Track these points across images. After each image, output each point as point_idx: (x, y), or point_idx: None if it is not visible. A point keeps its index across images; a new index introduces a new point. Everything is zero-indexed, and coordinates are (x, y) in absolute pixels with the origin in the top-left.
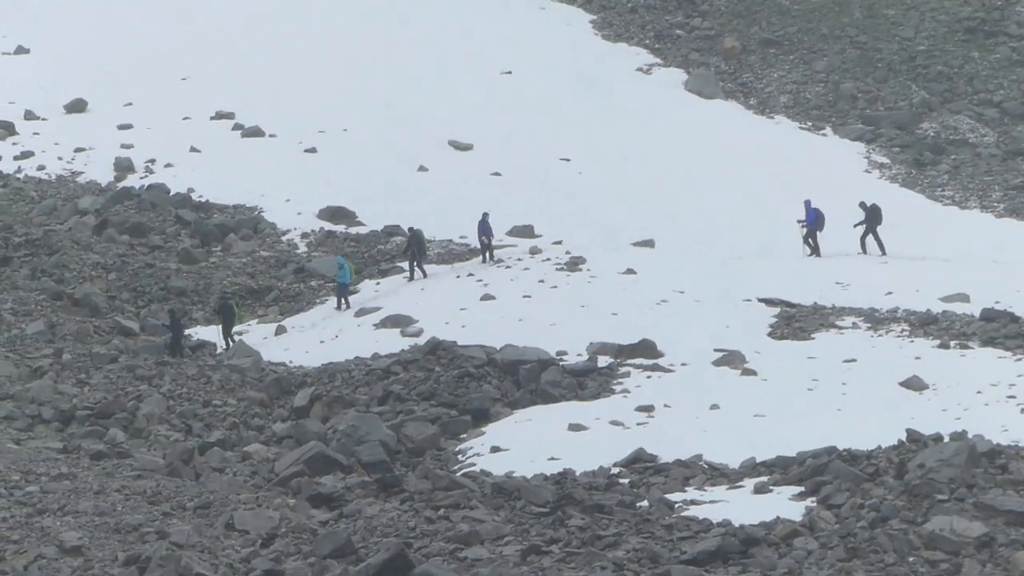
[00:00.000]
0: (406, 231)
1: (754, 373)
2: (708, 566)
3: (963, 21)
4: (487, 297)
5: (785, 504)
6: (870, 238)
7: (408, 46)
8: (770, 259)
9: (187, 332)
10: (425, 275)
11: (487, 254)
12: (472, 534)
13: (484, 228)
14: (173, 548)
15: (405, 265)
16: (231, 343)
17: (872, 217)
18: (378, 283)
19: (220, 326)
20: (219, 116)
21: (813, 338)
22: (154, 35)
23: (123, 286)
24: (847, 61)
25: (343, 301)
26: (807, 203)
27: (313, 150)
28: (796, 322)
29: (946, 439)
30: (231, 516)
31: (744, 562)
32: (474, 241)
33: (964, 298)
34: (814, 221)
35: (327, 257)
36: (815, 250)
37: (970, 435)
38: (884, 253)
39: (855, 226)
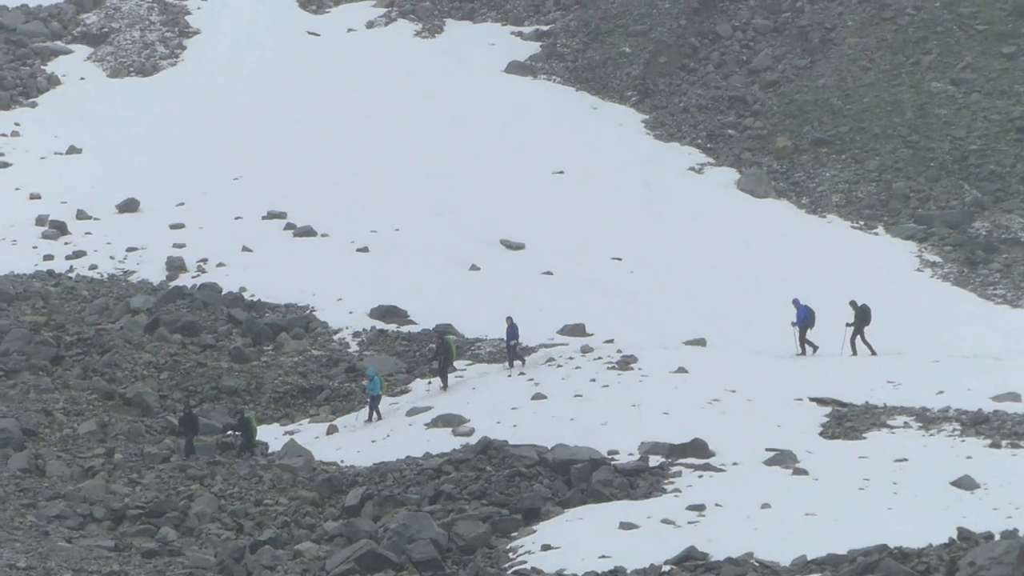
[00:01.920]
0: (435, 340)
1: (805, 472)
2: None
3: (1015, 120)
4: (538, 396)
5: None
6: (859, 338)
7: (460, 146)
8: (821, 358)
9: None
10: (447, 386)
11: (513, 359)
12: None
13: (511, 333)
14: None
15: (435, 373)
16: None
17: (861, 318)
18: (429, 382)
19: (241, 440)
20: (271, 216)
21: (864, 437)
22: (206, 135)
23: (175, 385)
24: (899, 160)
25: (375, 413)
26: (796, 301)
27: (365, 249)
28: (847, 421)
29: (997, 537)
30: None
31: None
32: (526, 340)
33: (1015, 397)
34: (805, 319)
35: (379, 356)
36: (812, 347)
37: (1021, 533)
38: (874, 354)
39: (847, 326)
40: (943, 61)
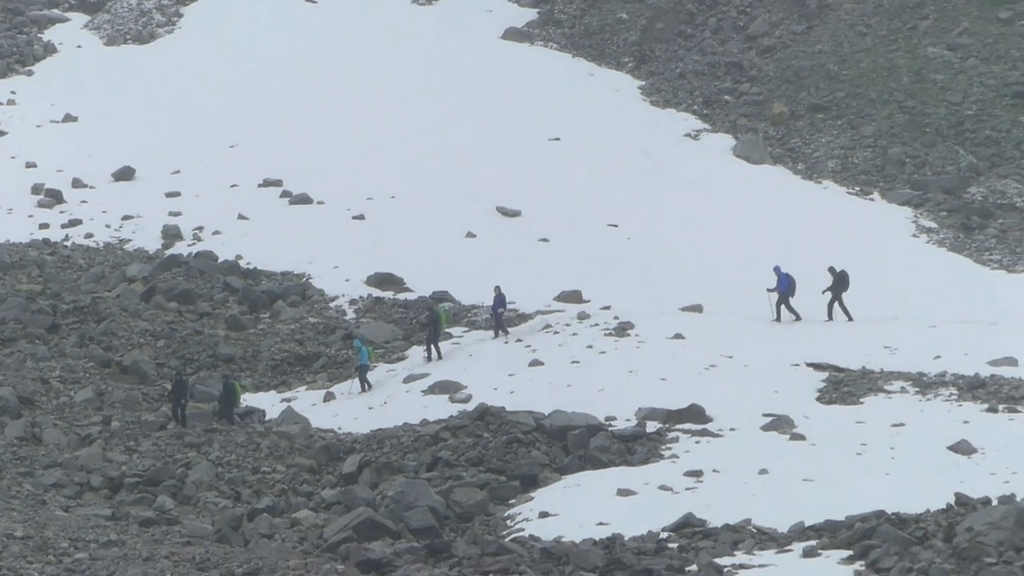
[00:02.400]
0: (426, 309)
1: (803, 438)
2: None
3: (1011, 86)
4: (535, 363)
5: (834, 568)
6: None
7: (456, 112)
8: (818, 324)
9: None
10: (440, 356)
11: (499, 329)
12: None
13: (499, 302)
14: None
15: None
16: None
17: (839, 283)
18: (427, 352)
19: (221, 406)
20: (267, 183)
21: (861, 403)
22: (202, 102)
23: (171, 353)
24: (895, 126)
25: (365, 383)
26: (777, 268)
27: (361, 217)
28: (844, 387)
29: (995, 503)
30: None
31: None
32: (522, 307)
33: (1012, 362)
34: (787, 287)
35: (376, 324)
36: (795, 315)
37: (1019, 498)
38: (851, 319)
39: (823, 292)
40: (940, 26)
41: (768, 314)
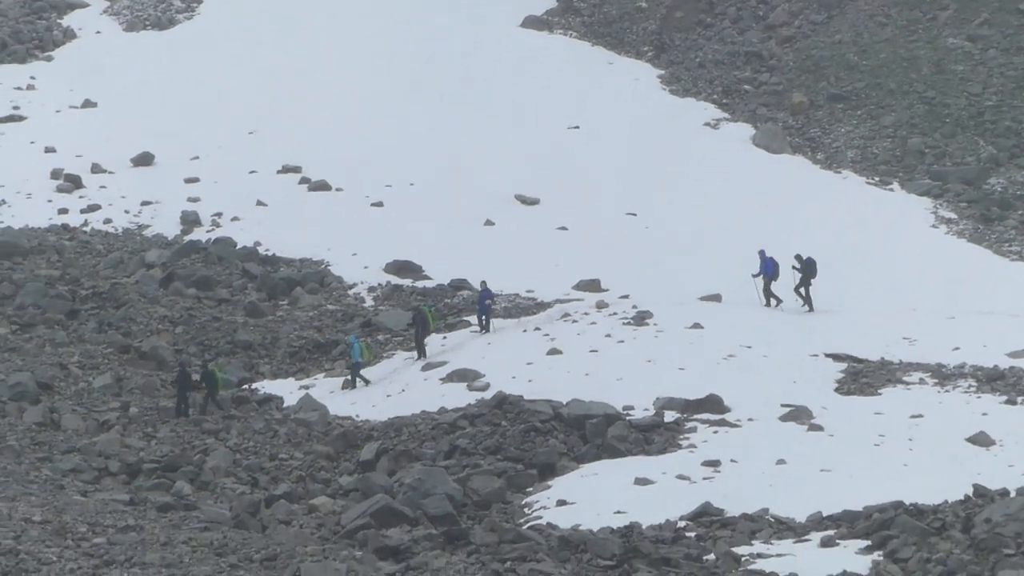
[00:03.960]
0: (411, 310)
1: (821, 428)
2: None
3: None
4: (553, 351)
5: (852, 558)
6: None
7: (475, 100)
8: (837, 313)
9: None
10: (425, 355)
11: (488, 323)
12: None
13: (485, 295)
14: None
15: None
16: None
17: (807, 271)
18: (444, 337)
19: (204, 393)
20: (286, 170)
21: (880, 394)
22: (221, 89)
23: (190, 339)
24: (915, 116)
25: (357, 379)
26: (761, 253)
27: (380, 204)
28: (863, 377)
29: (1013, 494)
30: (298, 568)
31: None
32: (541, 295)
33: None
34: (771, 271)
35: (393, 311)
36: (775, 299)
37: None
38: (811, 310)
39: (794, 270)
40: (960, 17)
41: (758, 300)
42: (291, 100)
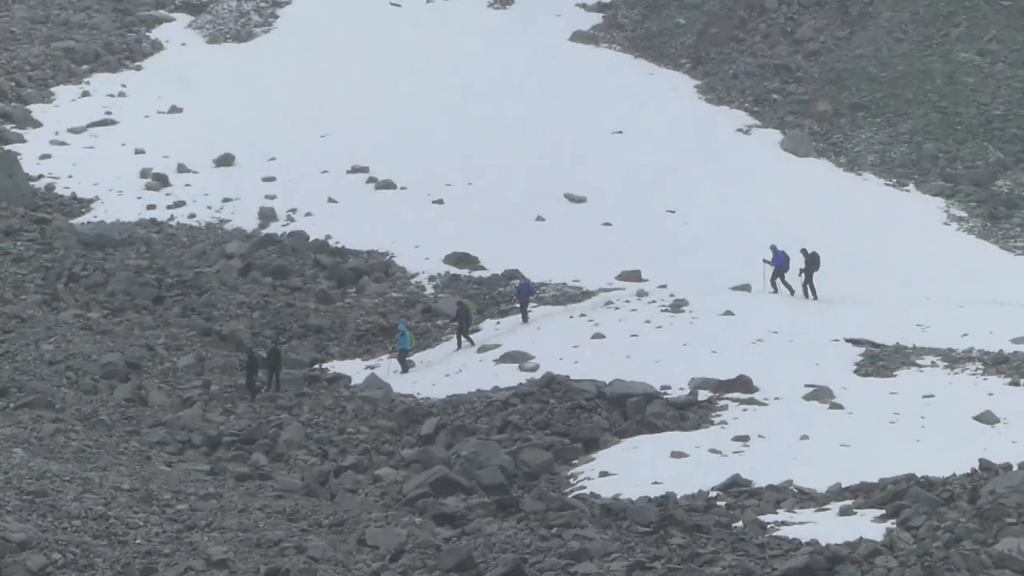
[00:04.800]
0: (456, 304)
1: (841, 407)
2: None
3: None
4: (597, 336)
5: (868, 526)
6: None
7: (528, 107)
8: (857, 302)
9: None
10: (473, 343)
11: (526, 314)
12: (582, 551)
13: (524, 290)
14: (310, 562)
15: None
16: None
17: (811, 264)
18: (498, 322)
19: (271, 371)
20: (355, 170)
21: (895, 376)
22: (295, 96)
23: (266, 324)
24: (929, 124)
25: (402, 364)
26: (773, 247)
27: (440, 201)
28: (880, 361)
29: (1015, 468)
30: (363, 533)
31: None
32: (586, 284)
33: None
34: (782, 264)
35: (452, 298)
36: (789, 288)
37: None
38: (816, 298)
39: (799, 273)
40: (970, 33)
41: (764, 288)
42: (359, 106)
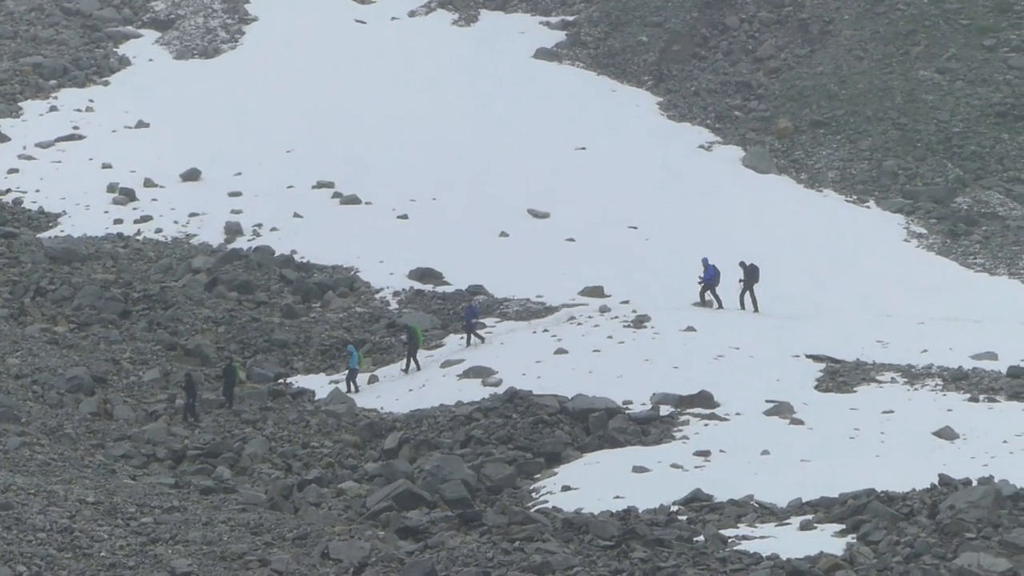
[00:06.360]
0: (403, 327)
1: (801, 422)
2: None
3: (994, 106)
4: (560, 351)
5: (828, 540)
6: (746, 296)
7: (492, 123)
8: (817, 319)
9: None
10: (419, 367)
11: (471, 337)
12: (544, 565)
13: (468, 313)
14: (274, 575)
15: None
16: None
17: (750, 276)
18: (462, 337)
19: (226, 387)
20: (320, 185)
21: (855, 391)
22: (261, 112)
23: (231, 338)
24: (889, 141)
25: (352, 385)
26: (705, 260)
27: (405, 216)
28: (840, 377)
29: (974, 483)
30: (327, 546)
31: None
32: (549, 300)
33: (993, 356)
34: (712, 277)
35: (416, 313)
36: (718, 302)
37: (996, 480)
38: (756, 311)
39: (739, 281)
40: (930, 52)
41: (697, 303)
42: (325, 122)
